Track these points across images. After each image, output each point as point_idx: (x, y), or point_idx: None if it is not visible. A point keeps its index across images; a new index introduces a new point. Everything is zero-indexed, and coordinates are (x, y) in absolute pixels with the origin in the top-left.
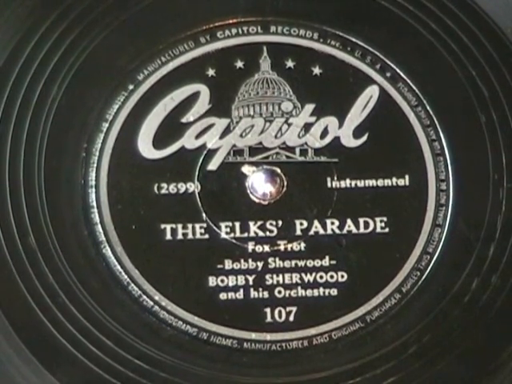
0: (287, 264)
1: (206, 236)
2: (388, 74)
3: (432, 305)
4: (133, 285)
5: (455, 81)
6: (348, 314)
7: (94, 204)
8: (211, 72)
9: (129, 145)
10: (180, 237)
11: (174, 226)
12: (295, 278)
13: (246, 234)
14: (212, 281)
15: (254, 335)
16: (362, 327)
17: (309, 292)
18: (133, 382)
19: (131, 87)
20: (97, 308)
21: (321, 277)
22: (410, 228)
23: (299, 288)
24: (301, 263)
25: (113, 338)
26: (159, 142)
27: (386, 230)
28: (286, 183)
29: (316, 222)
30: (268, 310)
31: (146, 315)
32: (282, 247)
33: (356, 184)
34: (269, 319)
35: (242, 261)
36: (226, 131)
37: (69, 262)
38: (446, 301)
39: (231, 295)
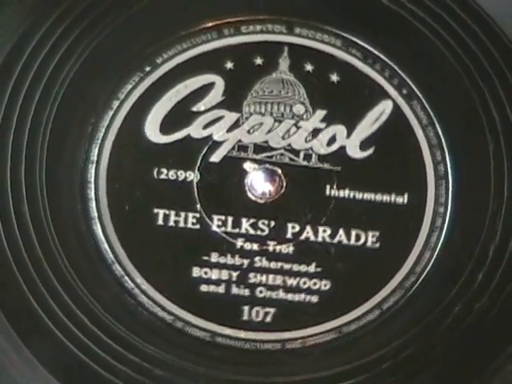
0: (273, 265)
1: (197, 226)
2: (404, 91)
3: (411, 324)
4: (117, 264)
5: (471, 107)
6: (324, 323)
7: (92, 180)
8: (229, 65)
9: (136, 126)
10: (171, 223)
11: (167, 211)
12: (279, 280)
13: (236, 230)
14: (196, 271)
15: (228, 331)
16: (338, 337)
17: (290, 296)
18: (102, 361)
19: (148, 69)
20: (80, 286)
21: (304, 282)
22: (400, 246)
23: (281, 291)
24: (286, 266)
25: (91, 317)
26: (166, 127)
27: (377, 245)
28: (284, 184)
29: (308, 228)
30: (246, 308)
31: (125, 297)
32: (270, 248)
33: (354, 195)
34: (245, 317)
35: (229, 256)
36: (234, 125)
37: (58, 235)
38: (425, 322)
39: (212, 288)
